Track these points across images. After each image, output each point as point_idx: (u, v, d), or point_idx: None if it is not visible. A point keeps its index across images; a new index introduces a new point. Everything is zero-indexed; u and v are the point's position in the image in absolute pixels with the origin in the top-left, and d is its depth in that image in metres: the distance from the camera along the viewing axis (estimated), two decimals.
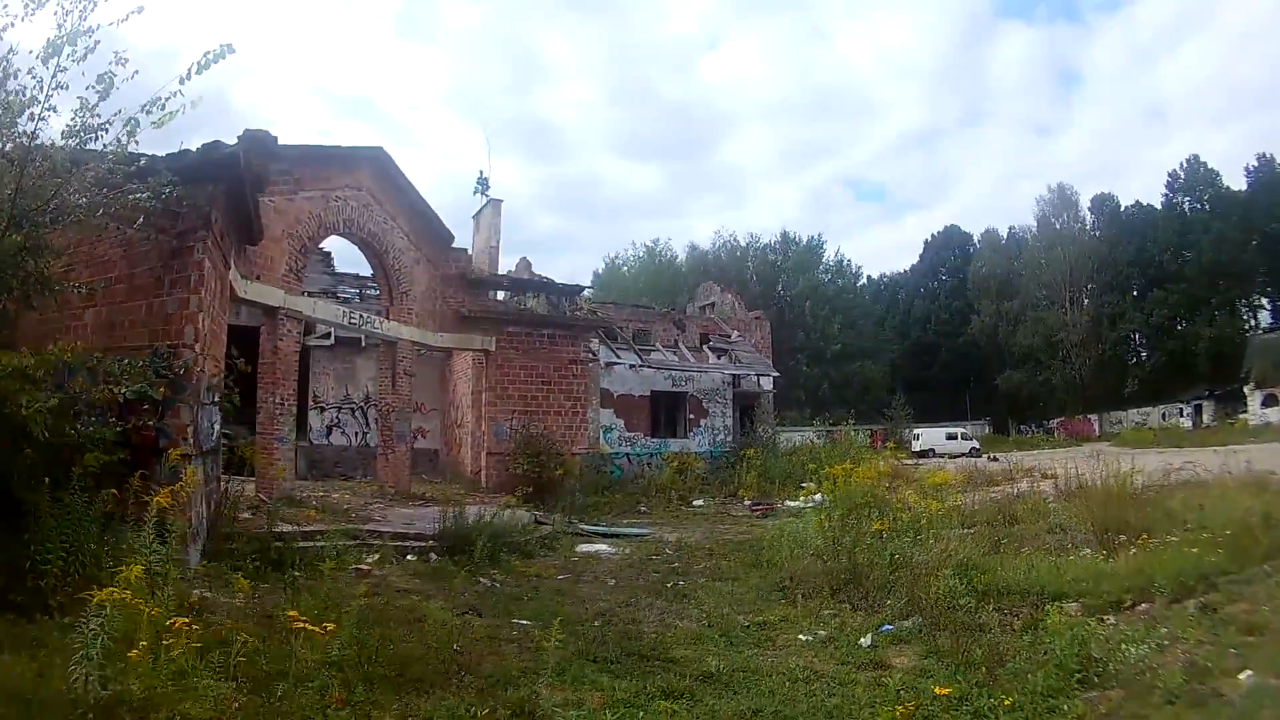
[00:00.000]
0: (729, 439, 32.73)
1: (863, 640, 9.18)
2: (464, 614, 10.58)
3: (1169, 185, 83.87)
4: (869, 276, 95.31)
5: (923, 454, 49.33)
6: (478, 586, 12.50)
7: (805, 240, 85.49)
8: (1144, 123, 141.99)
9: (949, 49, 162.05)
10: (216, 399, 13.21)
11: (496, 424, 24.19)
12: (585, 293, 32.74)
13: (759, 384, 35.95)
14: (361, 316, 21.45)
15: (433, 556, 14.10)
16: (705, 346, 36.60)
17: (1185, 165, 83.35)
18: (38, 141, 9.33)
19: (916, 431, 56.79)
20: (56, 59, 9.00)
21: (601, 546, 16.64)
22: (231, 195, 12.72)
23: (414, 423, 29.79)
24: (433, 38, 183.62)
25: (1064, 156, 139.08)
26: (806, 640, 9.45)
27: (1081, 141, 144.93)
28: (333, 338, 28.81)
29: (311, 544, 13.19)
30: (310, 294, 23.35)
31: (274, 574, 11.69)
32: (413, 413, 23.99)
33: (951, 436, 56.99)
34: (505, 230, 27.22)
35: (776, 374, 38.37)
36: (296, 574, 11.77)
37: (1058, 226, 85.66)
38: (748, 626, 10.19)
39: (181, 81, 9.29)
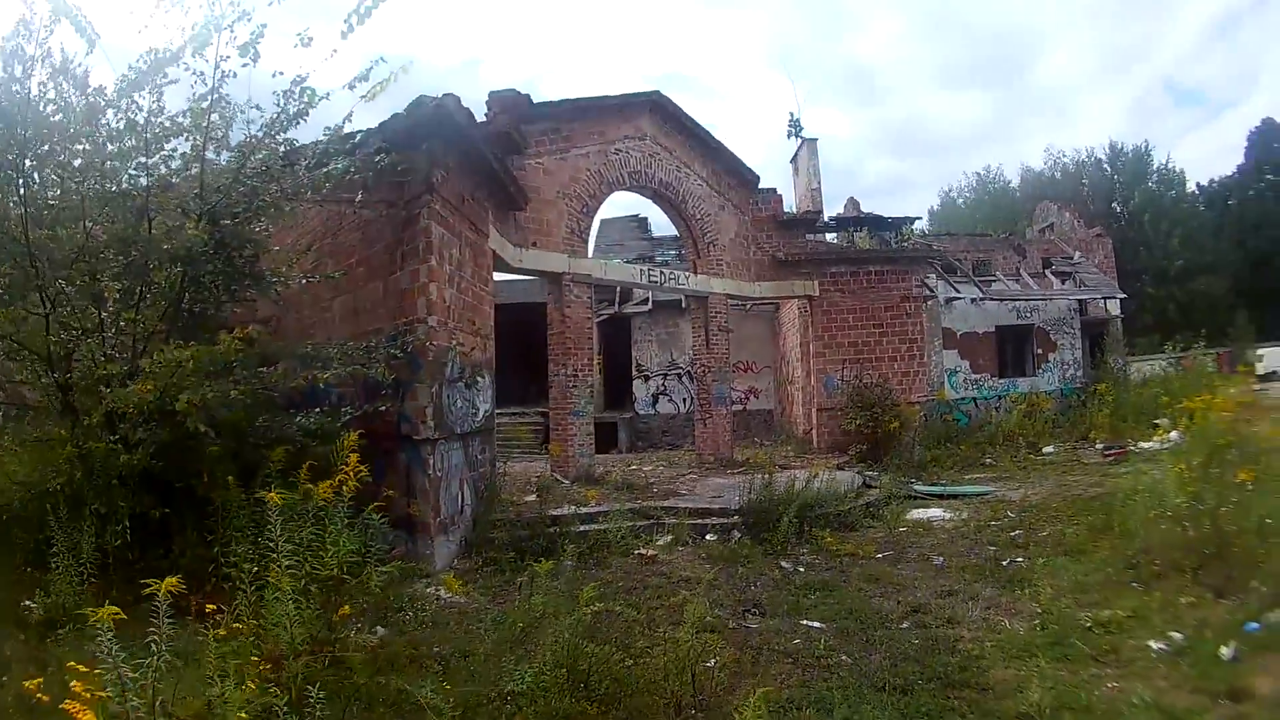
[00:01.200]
0: (1079, 374, 29.02)
1: (1223, 650, 6.65)
2: (745, 612, 9.06)
3: None
4: (1198, 184, 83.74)
5: (1267, 377, 41.99)
6: (776, 572, 10.86)
7: (1131, 149, 77.06)
8: None
9: None
10: (480, 377, 12.54)
11: (826, 376, 22.09)
12: (916, 224, 29.83)
13: (1106, 308, 31.65)
14: (663, 273, 20.17)
15: (735, 535, 12.65)
16: (1048, 271, 32.39)
17: None
18: (221, 137, 9.44)
19: (1260, 352, 49.06)
20: (214, 46, 8.75)
21: (935, 512, 14.41)
22: (461, 154, 11.87)
23: (746, 382, 28.92)
24: (736, 2, 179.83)
25: None
26: (1157, 651, 6.94)
27: None
28: (650, 302, 28.30)
29: (593, 527, 12.21)
30: (628, 261, 22.70)
31: (537, 564, 10.83)
32: (732, 372, 22.55)
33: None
34: (841, 179, 25.45)
35: (1124, 295, 33.58)
36: (568, 563, 10.90)
37: None
38: (1089, 628, 7.72)
39: (344, 36, 9.00)
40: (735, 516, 13.08)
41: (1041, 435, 22.82)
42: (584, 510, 12.86)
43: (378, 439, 10.90)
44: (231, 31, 8.61)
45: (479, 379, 12.53)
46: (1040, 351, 28.87)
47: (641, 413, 28.96)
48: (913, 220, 28.87)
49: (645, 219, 32.82)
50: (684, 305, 26.98)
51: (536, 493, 14.31)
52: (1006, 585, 9.62)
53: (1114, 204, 70.92)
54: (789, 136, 27.45)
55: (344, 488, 6.92)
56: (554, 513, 12.48)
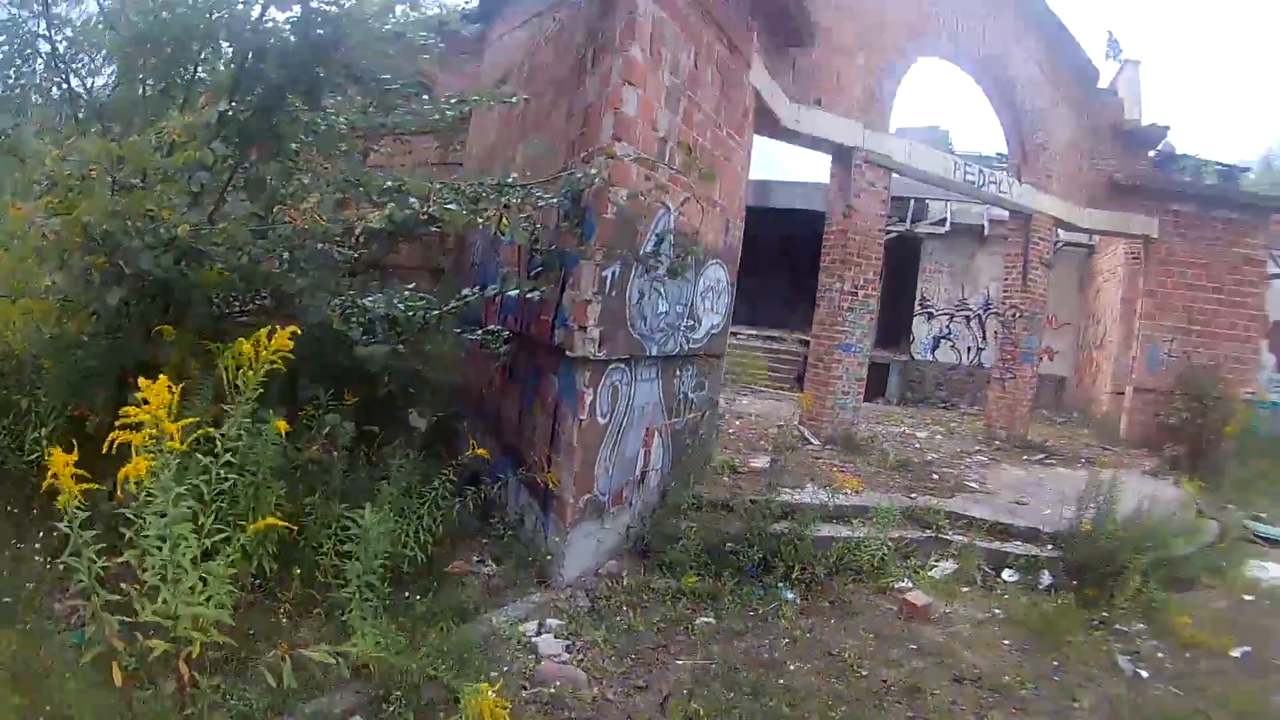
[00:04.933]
0: None
1: None
2: None
3: None
4: None
5: None
6: (1110, 676, 6.19)
7: None
8: None
9: None
10: (712, 270, 7.86)
11: (1152, 346, 16.20)
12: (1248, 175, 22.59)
13: None
14: (982, 173, 14.55)
15: (1044, 578, 7.81)
16: None
17: None
18: None
19: None
20: None
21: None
22: None
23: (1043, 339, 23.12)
24: None
25: None
26: None
27: None
28: (948, 224, 22.60)
29: (841, 532, 7.61)
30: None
31: (744, 591, 6.51)
32: (1044, 324, 16.85)
33: None
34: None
35: None
36: (786, 595, 6.56)
37: None
38: None
39: None
40: (1049, 546, 8.23)
41: None
42: (834, 501, 8.02)
43: (534, 351, 6.59)
44: None
45: (710, 272, 7.88)
46: None
47: (918, 357, 23.35)
48: (1242, 169, 21.90)
49: (946, 132, 26.78)
50: (985, 233, 21.98)
51: (771, 456, 9.50)
52: None
53: None
54: (1106, 58, 21.73)
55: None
56: (786, 498, 7.73)
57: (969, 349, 23.13)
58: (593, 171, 5.65)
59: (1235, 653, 6.87)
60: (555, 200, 5.95)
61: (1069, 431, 17.71)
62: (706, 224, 7.57)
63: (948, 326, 23.18)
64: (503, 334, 6.69)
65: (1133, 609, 7.32)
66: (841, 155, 11.88)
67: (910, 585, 7.23)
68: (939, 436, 14.68)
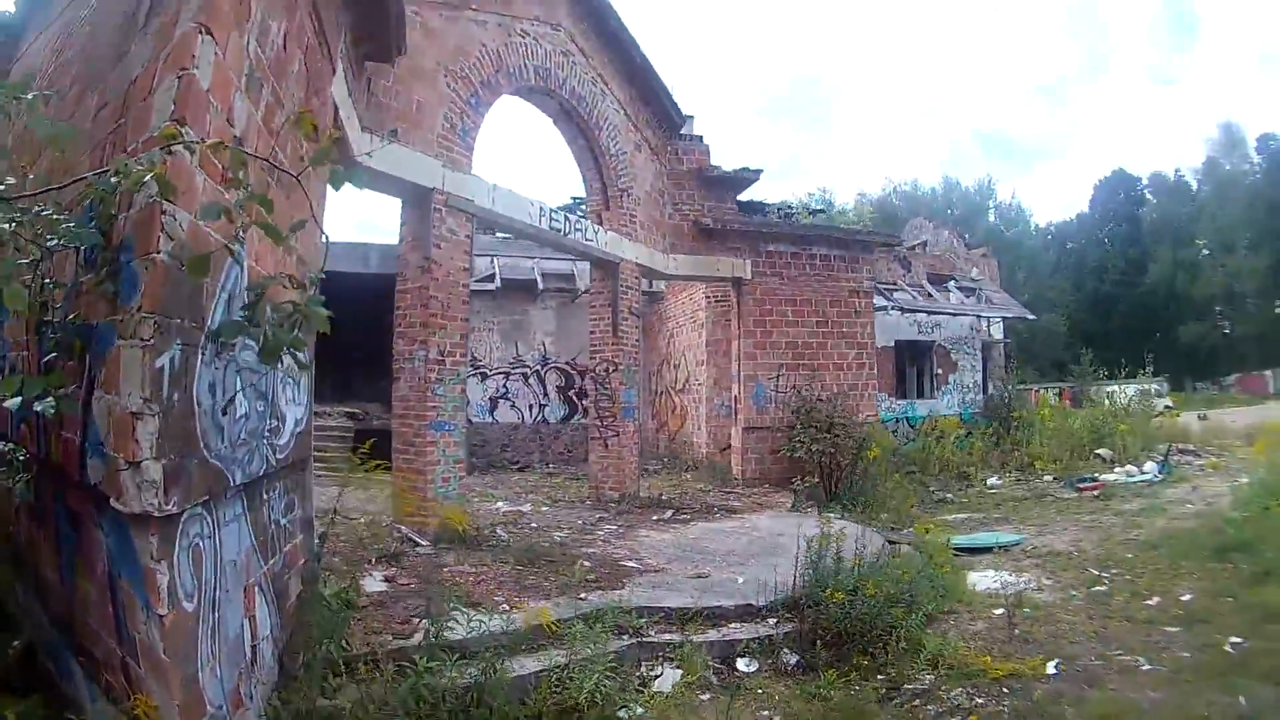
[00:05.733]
0: (978, 398, 25.05)
1: None
2: None
3: None
4: (1035, 225, 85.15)
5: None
6: None
7: (974, 185, 79.20)
8: None
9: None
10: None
11: (757, 384, 15.83)
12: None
13: (990, 332, 27.37)
14: (567, 219, 13.10)
15: (789, 658, 6.72)
16: (951, 285, 27.97)
17: None
18: None
19: (1109, 389, 47.68)
20: None
21: (1003, 576, 9.29)
22: None
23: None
24: None
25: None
26: None
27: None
28: (498, 280, 21.25)
29: (525, 668, 5.73)
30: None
31: None
32: (638, 374, 15.71)
33: (1144, 394, 47.45)
34: None
35: (1033, 316, 31.38)
36: None
37: (1227, 168, 71.53)
38: None
39: None
40: (773, 621, 7.21)
41: (977, 464, 18.93)
42: (496, 629, 6.02)
43: (62, 483, 3.92)
44: None
45: (291, 350, 5.08)
46: (940, 372, 24.55)
47: (476, 420, 21.21)
48: (817, 210, 23.25)
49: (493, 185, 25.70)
50: (539, 287, 21.30)
51: (386, 578, 7.19)
52: None
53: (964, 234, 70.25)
54: None
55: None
56: (449, 634, 5.65)
57: (530, 406, 22.28)
58: (139, 168, 3.09)
59: (1049, 669, 6.36)
60: (76, 229, 3.33)
61: (673, 480, 17.21)
62: (289, 281, 5.09)
63: (504, 385, 22.15)
64: (18, 456, 4.04)
65: (911, 664, 6.53)
66: (418, 199, 10.04)
67: (644, 712, 5.69)
68: (545, 508, 13.15)
